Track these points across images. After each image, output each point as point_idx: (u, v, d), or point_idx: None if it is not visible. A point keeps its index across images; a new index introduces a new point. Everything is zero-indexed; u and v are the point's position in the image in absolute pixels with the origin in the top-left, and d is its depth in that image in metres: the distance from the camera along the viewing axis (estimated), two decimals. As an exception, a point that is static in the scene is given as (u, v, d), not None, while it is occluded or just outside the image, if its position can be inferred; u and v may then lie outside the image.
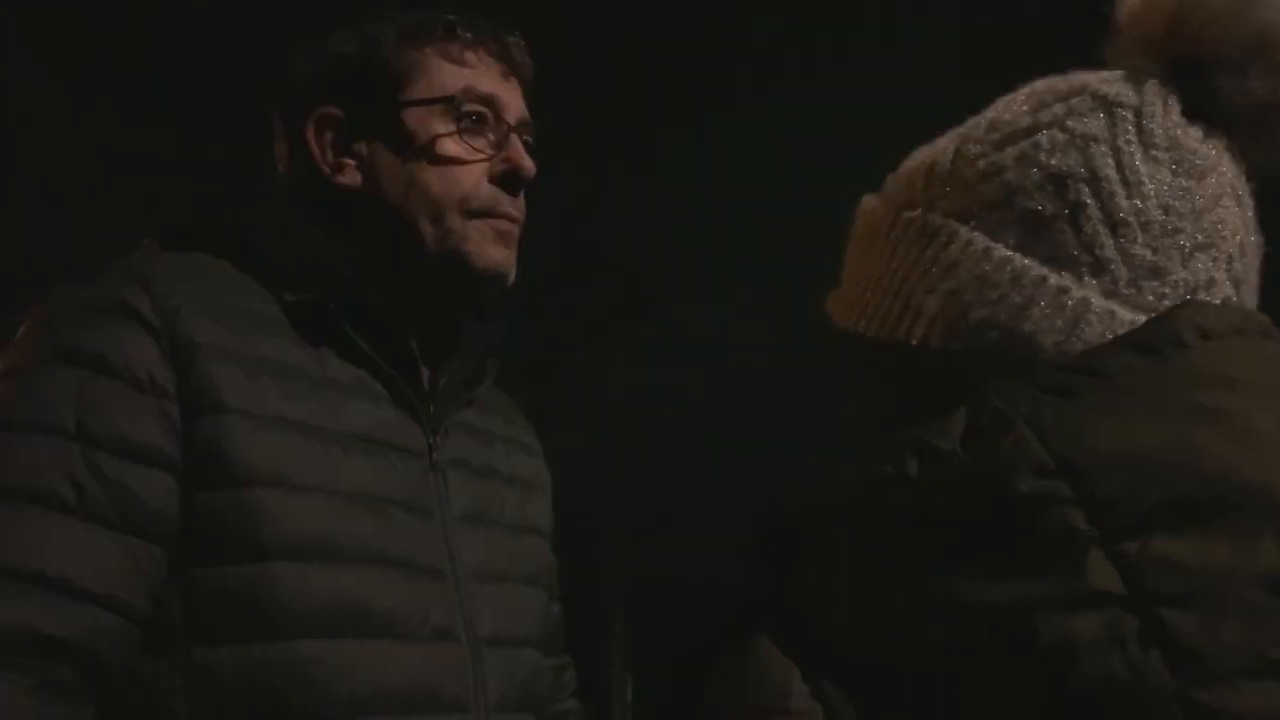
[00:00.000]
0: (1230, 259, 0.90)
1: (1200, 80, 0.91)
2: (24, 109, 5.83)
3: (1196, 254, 0.88)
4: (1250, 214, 0.94)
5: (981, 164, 0.92)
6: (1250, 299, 0.93)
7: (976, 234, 0.90)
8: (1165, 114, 0.91)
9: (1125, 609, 0.74)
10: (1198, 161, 0.90)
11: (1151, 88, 0.92)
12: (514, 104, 1.53)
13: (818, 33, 3.99)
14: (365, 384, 1.45)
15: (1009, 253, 0.89)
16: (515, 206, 1.50)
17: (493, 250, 1.47)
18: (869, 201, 1.00)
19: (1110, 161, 0.89)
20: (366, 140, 1.49)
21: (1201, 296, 0.88)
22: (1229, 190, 0.91)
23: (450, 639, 1.42)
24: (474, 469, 1.56)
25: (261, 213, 1.49)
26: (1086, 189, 0.88)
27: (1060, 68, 0.98)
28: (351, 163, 1.49)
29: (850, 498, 0.85)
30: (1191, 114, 0.92)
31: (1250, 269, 0.93)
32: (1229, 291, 0.90)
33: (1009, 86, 0.99)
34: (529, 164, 1.50)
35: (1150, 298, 0.87)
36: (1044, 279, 0.87)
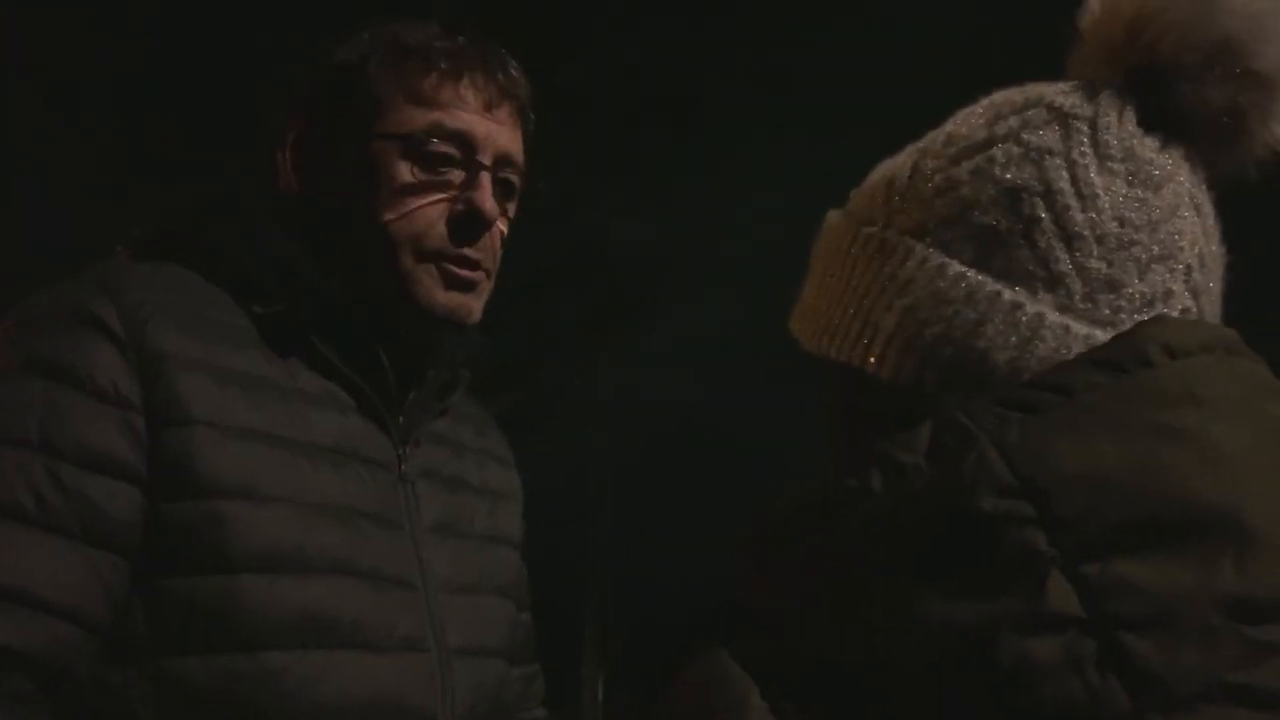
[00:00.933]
0: (1189, 269, 0.90)
1: (1158, 88, 0.90)
2: (24, 109, 5.84)
3: (1153, 265, 0.88)
4: (1210, 223, 0.93)
5: (938, 179, 0.91)
6: (1212, 309, 0.92)
7: (932, 250, 0.90)
8: (1121, 124, 0.90)
9: (1084, 632, 0.74)
10: (1154, 172, 0.89)
11: (1108, 98, 0.91)
12: (493, 140, 1.47)
13: (809, 34, 4.00)
14: (334, 395, 1.44)
15: (963, 269, 0.88)
16: (475, 250, 1.46)
17: (442, 296, 1.44)
18: (833, 217, 1.00)
19: (1065, 175, 0.88)
20: (339, 162, 1.47)
21: (1159, 309, 0.88)
22: (1187, 200, 0.91)
23: (419, 649, 1.42)
24: (444, 480, 1.55)
25: (235, 222, 1.48)
26: (1041, 203, 0.88)
27: (1050, 71, 0.98)
28: (326, 182, 1.48)
29: (816, 509, 0.84)
30: (1149, 123, 0.91)
31: (1211, 278, 0.92)
32: (1188, 303, 0.89)
33: (1003, 88, 0.99)
34: (490, 206, 1.45)
35: (1106, 311, 0.87)
36: (998, 295, 0.87)
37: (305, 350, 1.43)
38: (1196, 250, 0.90)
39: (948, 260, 0.89)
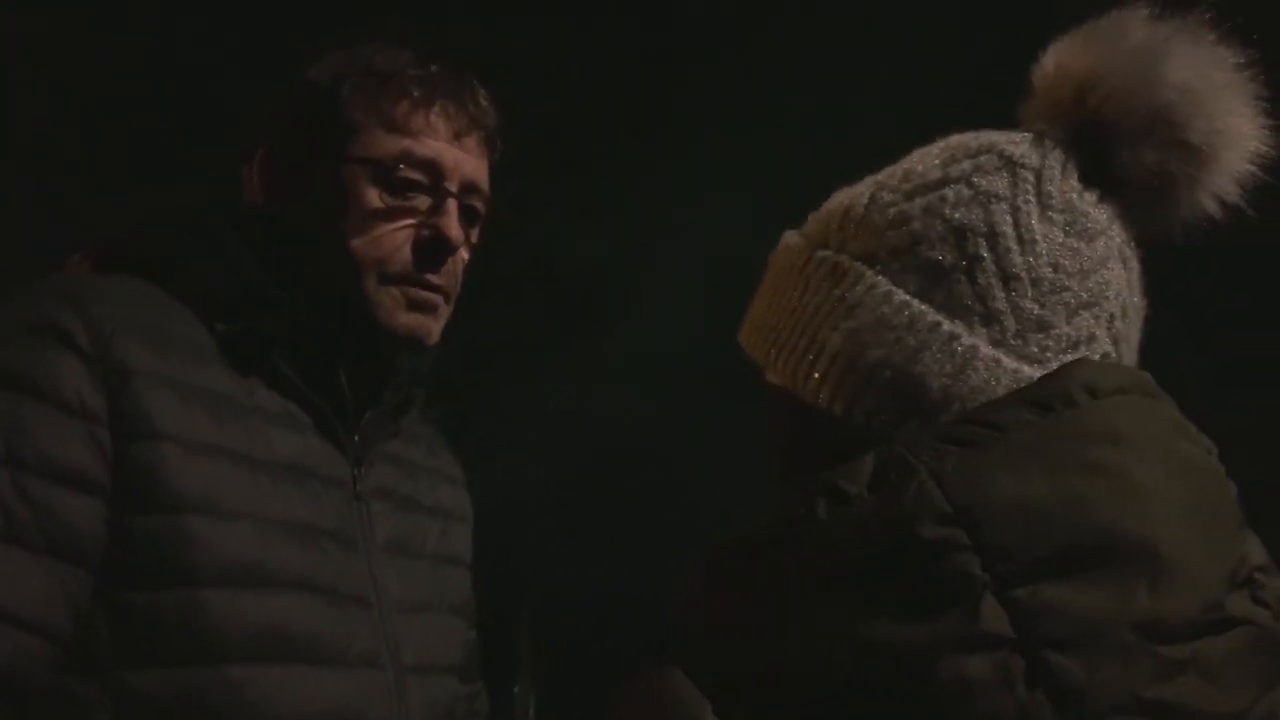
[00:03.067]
0: (1112, 317, 0.96)
1: (1100, 147, 0.97)
2: (24, 109, 5.87)
3: (1080, 311, 0.95)
4: (1135, 276, 1.00)
5: (891, 212, 0.97)
6: (1130, 356, 0.99)
7: (881, 278, 0.95)
8: (1064, 177, 0.97)
9: (1014, 651, 0.79)
10: (1089, 224, 0.96)
11: (1054, 152, 0.98)
12: (460, 168, 1.51)
13: (766, 42, 4.00)
14: (292, 414, 1.46)
15: (907, 297, 0.94)
16: (438, 275, 1.49)
17: (404, 317, 1.47)
18: (790, 237, 1.05)
19: (1009, 219, 0.95)
20: (308, 182, 1.49)
21: (1082, 351, 0.94)
22: (1116, 253, 0.97)
23: (376, 666, 1.44)
24: (396, 501, 1.57)
25: (198, 236, 1.49)
26: (984, 243, 0.94)
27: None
28: (292, 200, 1.50)
29: (766, 536, 0.88)
30: (1089, 179, 0.98)
31: (1131, 328, 0.99)
32: (1108, 347, 0.96)
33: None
34: (456, 233, 1.48)
35: (1034, 349, 0.93)
36: (938, 325, 0.93)
37: (265, 368, 1.45)
38: (1120, 301, 0.97)
39: (894, 288, 0.95)
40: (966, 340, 0.93)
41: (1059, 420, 0.86)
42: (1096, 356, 0.95)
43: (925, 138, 1.05)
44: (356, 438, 1.52)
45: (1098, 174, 0.98)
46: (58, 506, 1.29)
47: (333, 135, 1.48)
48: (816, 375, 0.96)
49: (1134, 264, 1.00)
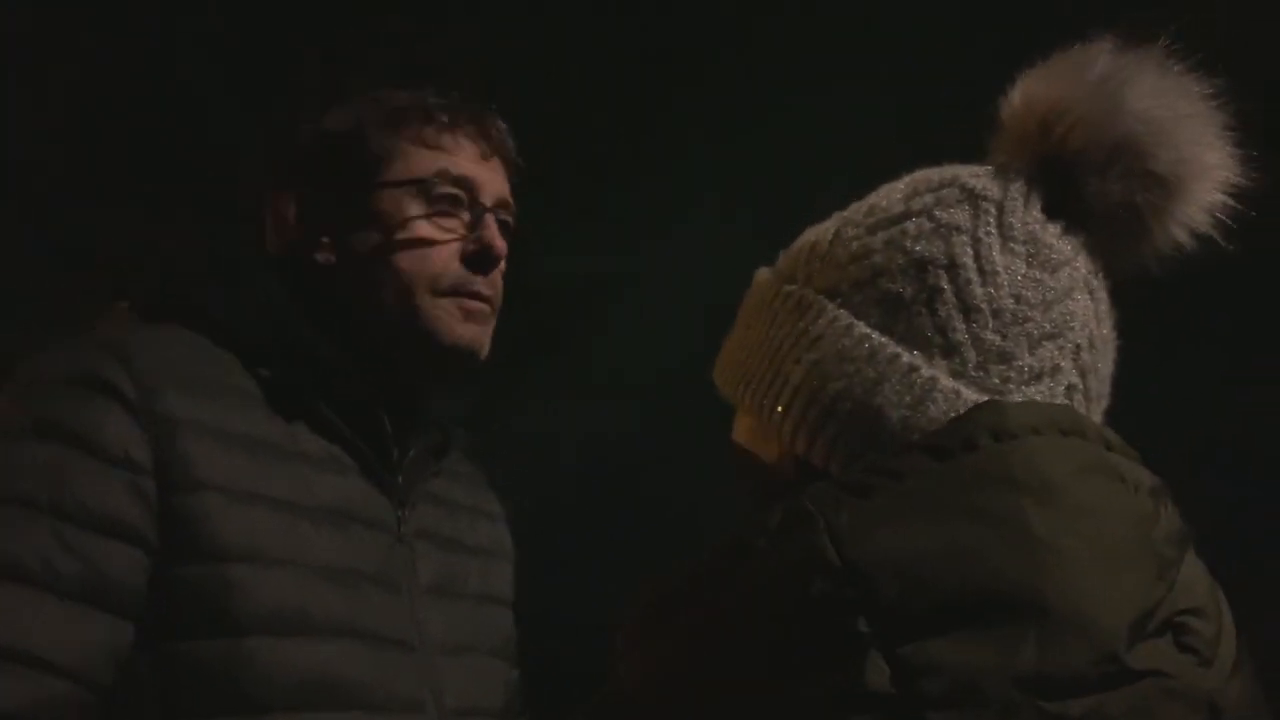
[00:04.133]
0: (1078, 348, 0.96)
1: (1066, 178, 0.98)
2: (20, 110, 5.87)
3: (1044, 342, 0.94)
4: (1104, 307, 0.99)
5: (854, 246, 0.98)
6: (1099, 387, 0.98)
7: (842, 311, 0.96)
8: (1026, 209, 0.97)
9: (893, 711, 0.78)
10: (1053, 255, 0.96)
11: (1017, 184, 0.98)
12: (491, 184, 1.56)
13: (756, 44, 3.98)
14: (335, 457, 1.48)
15: (868, 330, 0.95)
16: (487, 285, 1.53)
17: (461, 328, 1.51)
18: (762, 274, 1.06)
19: (969, 251, 0.95)
20: (343, 219, 1.52)
21: (1046, 382, 0.94)
22: (1082, 284, 0.97)
23: (420, 711, 1.46)
24: (439, 541, 1.59)
25: (239, 284, 1.51)
26: (944, 275, 0.95)
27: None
28: (327, 240, 1.53)
29: (681, 590, 0.89)
30: (1054, 210, 0.98)
31: (1100, 358, 0.98)
32: (1074, 379, 0.96)
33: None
34: (500, 244, 1.53)
35: (996, 380, 0.93)
36: (897, 357, 0.93)
37: (308, 413, 1.47)
38: (1087, 331, 0.97)
39: (855, 321, 0.96)
40: (926, 372, 0.93)
41: (955, 466, 0.85)
42: (1062, 388, 0.95)
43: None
44: (400, 479, 1.54)
45: (1064, 206, 0.98)
46: (100, 558, 1.30)
47: (363, 170, 1.52)
48: (780, 409, 0.96)
49: (1102, 295, 0.99)
